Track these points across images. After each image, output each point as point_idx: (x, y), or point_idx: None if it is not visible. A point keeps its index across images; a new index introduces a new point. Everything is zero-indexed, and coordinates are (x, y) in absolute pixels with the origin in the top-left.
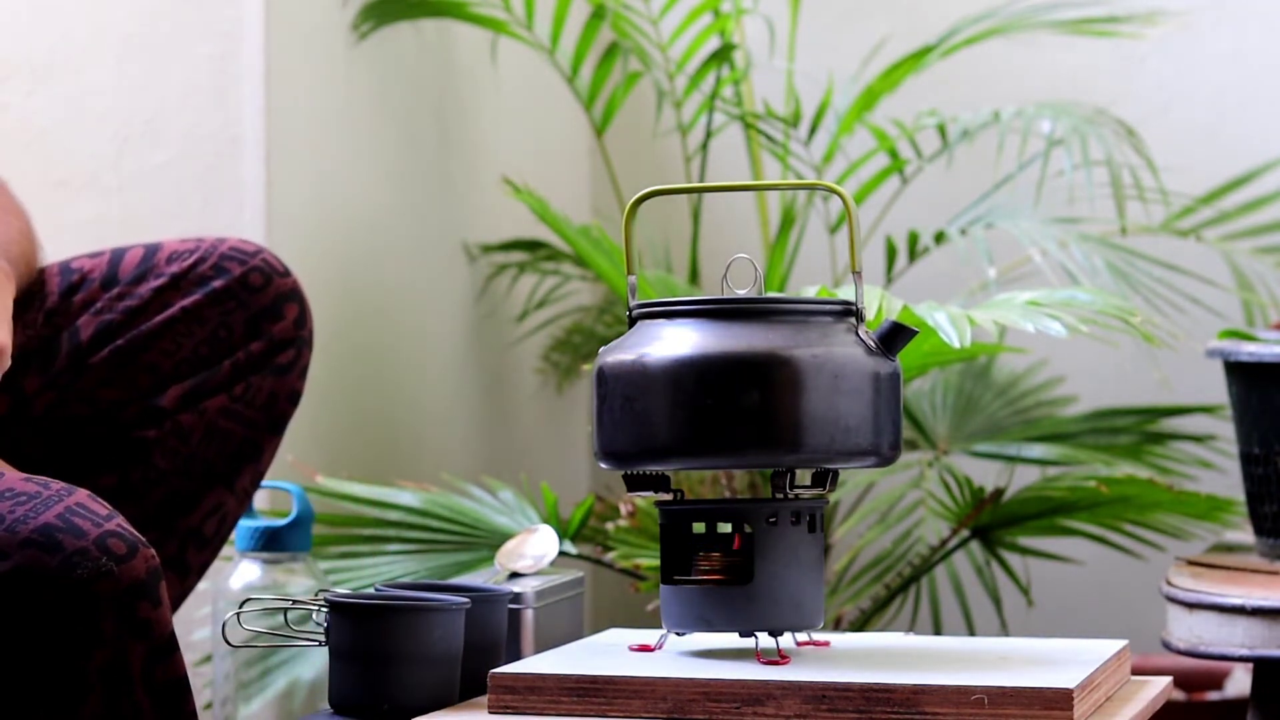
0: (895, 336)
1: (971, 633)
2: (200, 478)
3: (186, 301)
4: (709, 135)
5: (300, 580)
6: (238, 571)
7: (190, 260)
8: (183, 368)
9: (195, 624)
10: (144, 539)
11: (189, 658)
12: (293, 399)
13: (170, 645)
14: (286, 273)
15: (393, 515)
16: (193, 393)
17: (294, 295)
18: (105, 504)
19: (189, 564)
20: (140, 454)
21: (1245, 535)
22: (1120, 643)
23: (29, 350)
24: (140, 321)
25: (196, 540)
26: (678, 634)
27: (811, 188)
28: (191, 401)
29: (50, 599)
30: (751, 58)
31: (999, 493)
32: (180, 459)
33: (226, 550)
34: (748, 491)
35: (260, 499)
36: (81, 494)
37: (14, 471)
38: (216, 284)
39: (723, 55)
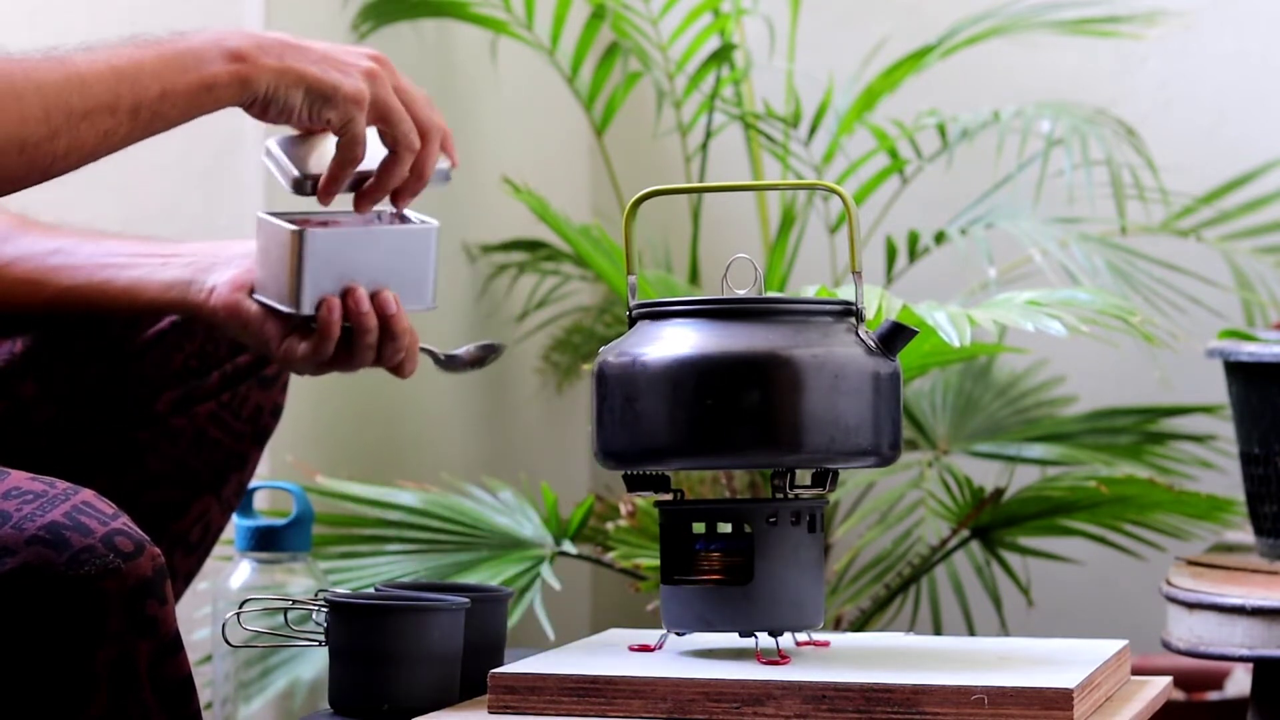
0: (895, 336)
1: (971, 633)
2: (190, 485)
3: (175, 316)
4: (709, 135)
5: (300, 580)
6: (238, 571)
7: None
8: (173, 378)
9: (195, 624)
10: (149, 538)
11: (189, 658)
12: (275, 412)
13: (176, 644)
14: None
15: (393, 515)
16: (184, 399)
17: None
18: (111, 504)
19: (175, 569)
20: (133, 456)
21: (1245, 535)
22: (1120, 643)
23: (25, 354)
24: (131, 335)
25: (184, 546)
26: (678, 634)
27: (811, 188)
28: (183, 406)
29: (57, 596)
30: (751, 58)
31: (999, 493)
32: (171, 463)
33: (227, 550)
34: (748, 491)
35: (260, 499)
36: (88, 493)
37: (19, 471)
38: None
39: (723, 55)
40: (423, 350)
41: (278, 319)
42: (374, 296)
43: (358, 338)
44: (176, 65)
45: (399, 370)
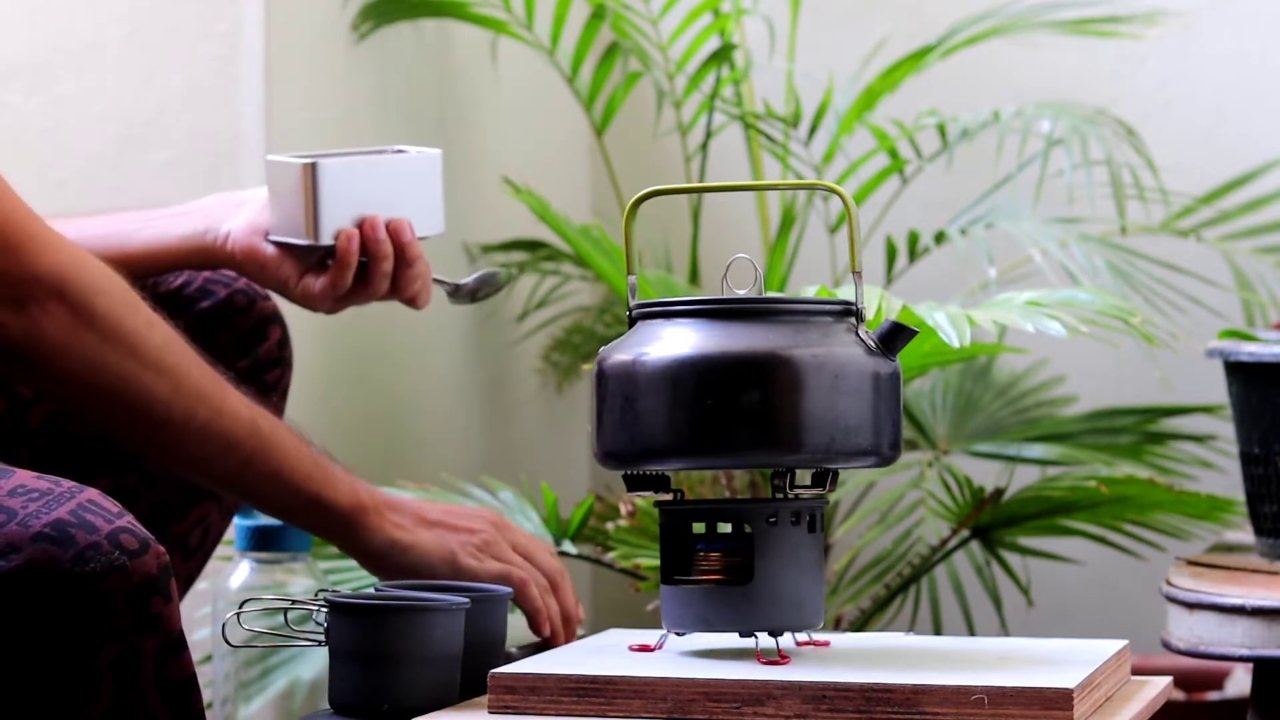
0: (895, 336)
1: (971, 633)
2: (190, 488)
3: (175, 322)
4: (709, 135)
5: (300, 580)
6: (238, 571)
7: (175, 283)
8: None
9: (195, 624)
10: (154, 537)
11: None
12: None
13: (180, 643)
14: (268, 297)
15: None
16: None
17: (276, 318)
18: (115, 502)
19: (175, 574)
20: (133, 459)
21: (1245, 535)
22: (1120, 643)
23: None
24: None
25: (183, 550)
26: (678, 634)
27: (811, 188)
28: None
29: (62, 592)
30: (751, 58)
31: (999, 493)
32: None
33: (227, 550)
34: (748, 491)
35: None
36: (92, 492)
37: (24, 470)
38: (203, 305)
39: (723, 55)
40: (435, 280)
41: (294, 259)
42: (388, 225)
43: (374, 266)
44: (308, 466)
45: (414, 300)
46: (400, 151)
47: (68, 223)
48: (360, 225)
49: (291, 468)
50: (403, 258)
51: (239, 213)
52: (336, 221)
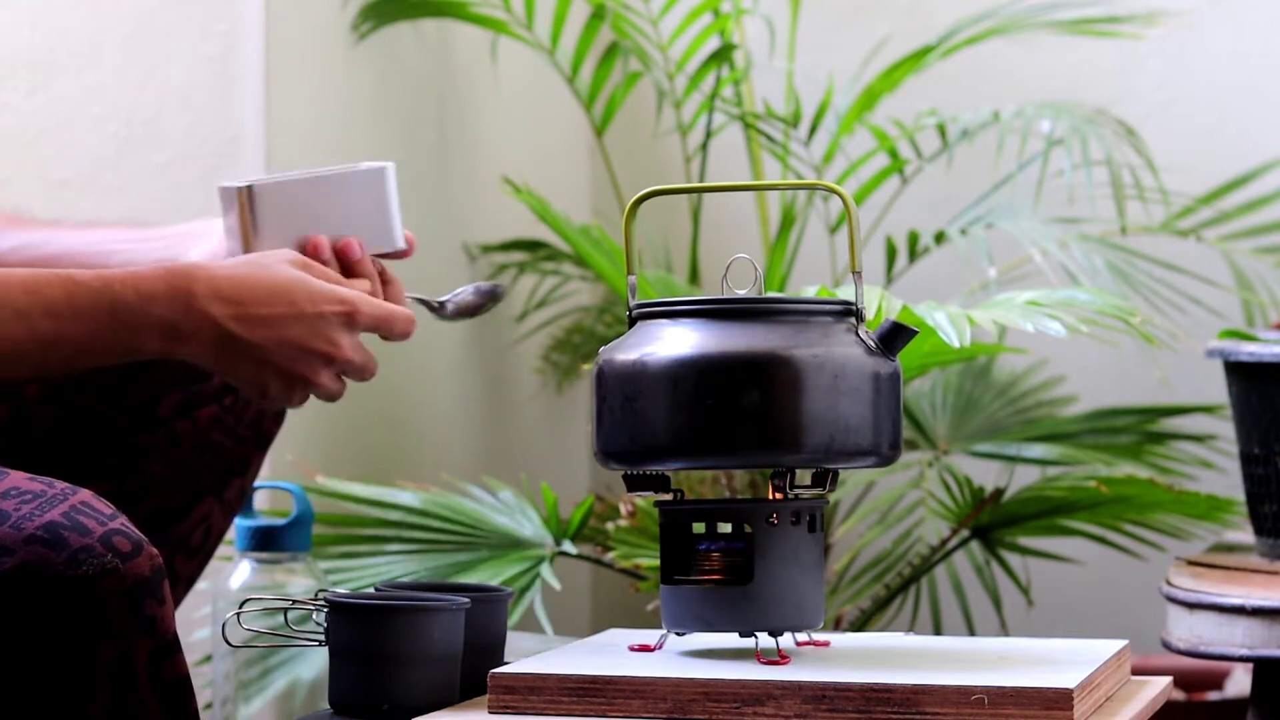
0: (895, 336)
1: (971, 633)
2: (192, 489)
3: None
4: (709, 135)
5: (300, 580)
6: (237, 571)
7: None
8: (175, 380)
9: (195, 624)
10: (147, 539)
11: (189, 658)
12: (278, 418)
13: (174, 644)
14: None
15: (393, 515)
16: (186, 402)
17: None
18: (109, 504)
19: (178, 573)
20: (136, 460)
21: (1245, 535)
22: (1120, 643)
23: None
24: None
25: (185, 549)
26: (678, 634)
27: (811, 188)
28: (185, 410)
29: (55, 595)
30: (751, 58)
31: (999, 493)
32: (174, 466)
33: (227, 550)
34: (748, 491)
35: (260, 499)
36: (85, 494)
37: (18, 471)
38: None
39: (723, 55)
40: (415, 300)
41: None
42: (335, 245)
43: None
44: (106, 338)
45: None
46: (364, 169)
47: (67, 232)
48: (303, 247)
49: (91, 350)
50: (352, 277)
51: (203, 242)
52: (276, 244)
